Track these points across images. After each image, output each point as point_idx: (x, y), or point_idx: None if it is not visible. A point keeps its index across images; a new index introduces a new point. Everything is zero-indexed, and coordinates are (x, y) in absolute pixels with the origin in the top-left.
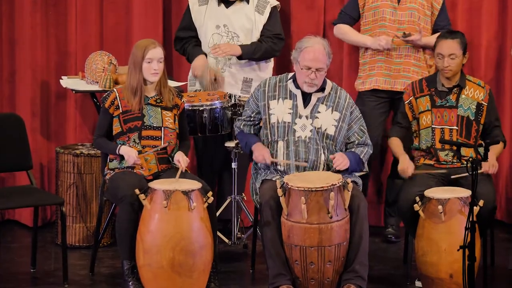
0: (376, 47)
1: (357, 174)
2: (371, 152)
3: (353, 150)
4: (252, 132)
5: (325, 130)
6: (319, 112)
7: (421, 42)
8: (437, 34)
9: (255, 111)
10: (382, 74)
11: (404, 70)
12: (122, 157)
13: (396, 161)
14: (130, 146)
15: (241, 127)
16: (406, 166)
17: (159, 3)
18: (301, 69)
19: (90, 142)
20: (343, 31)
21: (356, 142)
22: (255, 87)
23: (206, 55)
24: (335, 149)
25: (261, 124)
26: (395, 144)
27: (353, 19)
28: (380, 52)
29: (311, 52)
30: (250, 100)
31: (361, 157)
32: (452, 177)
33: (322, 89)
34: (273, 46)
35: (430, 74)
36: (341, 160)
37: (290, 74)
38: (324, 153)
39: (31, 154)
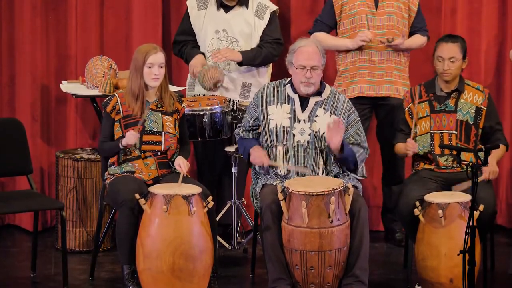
0: (358, 44)
1: (357, 177)
2: (366, 156)
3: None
4: (251, 137)
5: (323, 134)
6: (317, 116)
7: (403, 46)
8: (416, 36)
9: (254, 117)
10: (365, 81)
11: (387, 75)
12: (124, 153)
13: (386, 168)
14: (130, 151)
15: (240, 133)
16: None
17: (158, 8)
18: (296, 69)
19: (90, 147)
20: (320, 39)
21: (351, 142)
22: (254, 94)
23: (204, 55)
24: (332, 152)
25: (259, 130)
26: (401, 147)
27: (329, 27)
28: (362, 59)
29: (304, 52)
30: (250, 106)
31: (356, 155)
32: (454, 187)
33: (319, 93)
34: (272, 51)
35: (406, 75)
36: (335, 129)
37: (288, 79)
38: (322, 157)
39: (31, 159)
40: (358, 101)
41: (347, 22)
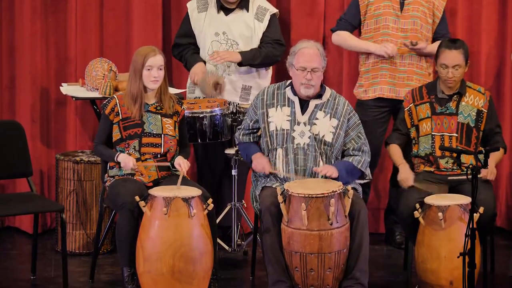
0: (381, 53)
1: (361, 181)
2: (369, 160)
3: (350, 160)
4: (251, 140)
5: (323, 136)
6: (317, 119)
7: (426, 50)
8: (438, 42)
9: (253, 120)
10: (386, 82)
11: (408, 79)
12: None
13: (397, 169)
14: (129, 153)
15: (240, 137)
16: (406, 177)
17: (158, 10)
18: (297, 70)
19: (90, 149)
20: (343, 37)
21: (351, 148)
22: (255, 96)
23: (204, 62)
24: (332, 155)
25: (259, 133)
26: (394, 151)
27: (353, 26)
28: (383, 60)
29: (305, 53)
30: (250, 109)
31: (358, 167)
32: (449, 178)
33: (319, 95)
34: (273, 51)
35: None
36: (328, 169)
37: (288, 81)
38: (322, 159)
39: (31, 161)
40: (378, 103)
41: (371, 22)
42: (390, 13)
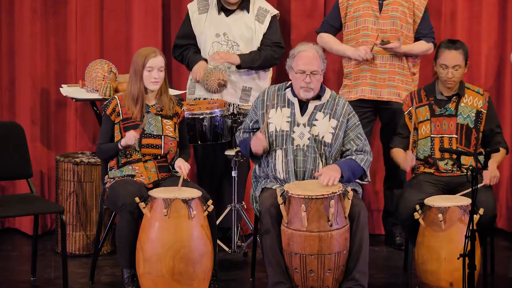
0: (356, 57)
1: (360, 182)
2: (371, 159)
3: (353, 157)
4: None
5: (322, 137)
6: (316, 120)
7: (400, 50)
8: (419, 42)
9: (254, 120)
10: (367, 84)
11: (389, 79)
12: (124, 155)
13: (389, 171)
14: (130, 154)
15: (240, 135)
16: (407, 159)
17: (158, 11)
18: (296, 73)
19: (90, 151)
20: (325, 40)
21: (354, 149)
22: (256, 97)
23: (206, 61)
24: (331, 156)
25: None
26: (398, 153)
27: (335, 28)
28: (364, 61)
29: (304, 56)
30: (251, 109)
31: (361, 165)
32: (460, 195)
33: (318, 97)
34: (272, 54)
35: (414, 81)
36: (328, 176)
37: (289, 83)
38: (321, 161)
39: (31, 162)
40: (360, 104)
41: (351, 24)
42: (369, 14)
